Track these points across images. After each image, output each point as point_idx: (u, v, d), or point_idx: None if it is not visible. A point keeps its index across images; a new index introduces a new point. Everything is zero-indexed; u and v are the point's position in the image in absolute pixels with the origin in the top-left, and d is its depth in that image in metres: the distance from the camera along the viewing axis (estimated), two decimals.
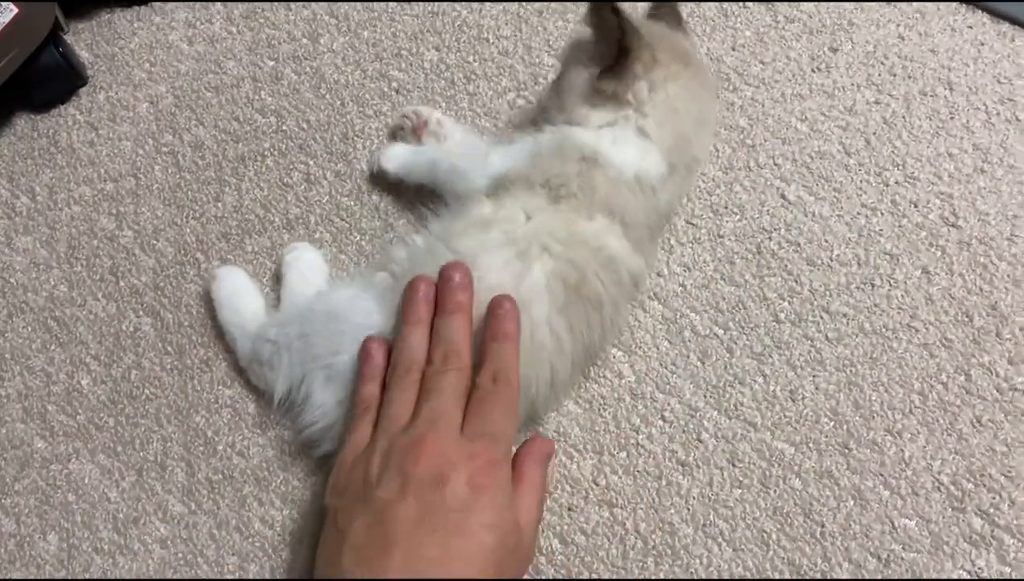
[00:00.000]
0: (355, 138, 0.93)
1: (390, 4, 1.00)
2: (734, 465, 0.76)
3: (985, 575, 0.71)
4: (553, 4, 0.98)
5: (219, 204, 0.92)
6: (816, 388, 0.78)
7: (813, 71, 0.93)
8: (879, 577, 0.71)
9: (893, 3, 0.95)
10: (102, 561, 0.78)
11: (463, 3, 0.99)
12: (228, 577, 0.76)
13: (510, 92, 0.94)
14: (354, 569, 0.57)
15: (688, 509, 0.75)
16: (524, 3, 0.99)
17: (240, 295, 0.84)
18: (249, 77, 0.98)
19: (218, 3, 1.02)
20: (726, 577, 0.72)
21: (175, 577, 0.77)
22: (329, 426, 0.73)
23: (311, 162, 0.93)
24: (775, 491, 0.75)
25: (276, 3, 1.02)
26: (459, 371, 0.65)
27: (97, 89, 0.99)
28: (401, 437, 0.62)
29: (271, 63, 0.99)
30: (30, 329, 0.88)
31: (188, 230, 0.91)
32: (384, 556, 0.56)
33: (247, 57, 0.99)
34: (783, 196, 0.87)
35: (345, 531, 0.59)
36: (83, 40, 1.02)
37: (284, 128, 0.95)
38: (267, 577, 0.76)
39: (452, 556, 0.56)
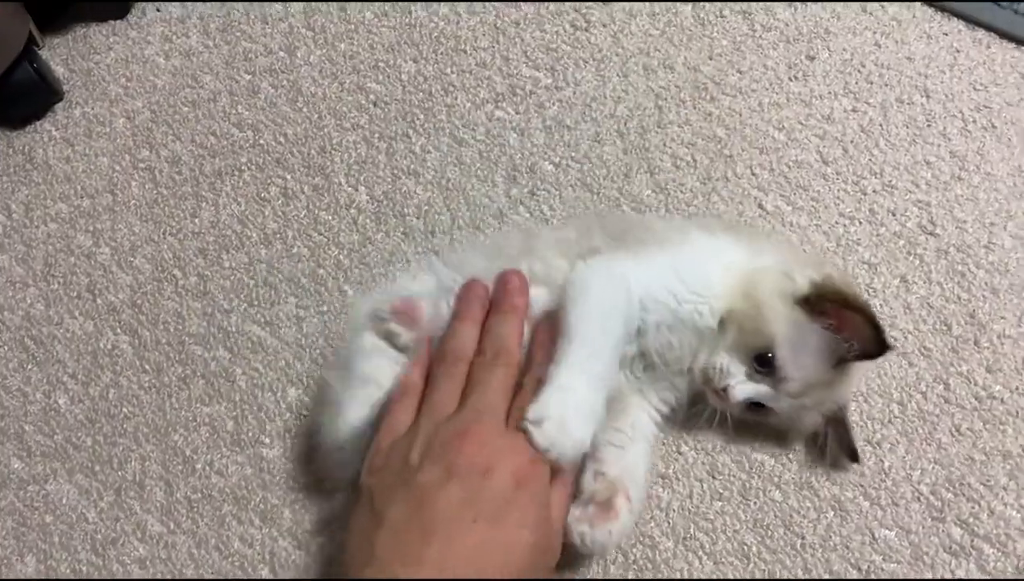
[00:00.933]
0: (332, 151, 0.93)
1: (367, 14, 1.00)
2: (714, 477, 0.76)
3: None
4: (529, 14, 0.98)
5: (196, 220, 0.91)
6: None
7: (790, 80, 0.93)
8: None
9: (868, 9, 0.95)
10: None
11: (441, 13, 0.99)
12: None
13: (488, 104, 0.94)
14: (390, 555, 0.56)
15: (668, 522, 0.74)
16: (501, 13, 0.99)
17: None
18: (226, 91, 0.98)
19: (194, 17, 1.02)
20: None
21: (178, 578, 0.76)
22: None
23: (288, 176, 0.92)
24: (755, 503, 0.75)
25: (253, 16, 1.01)
26: (508, 367, 0.65)
27: (73, 105, 0.99)
28: (446, 425, 0.61)
29: (248, 76, 0.98)
30: (6, 348, 0.87)
31: (165, 246, 0.90)
32: (423, 543, 0.55)
33: (224, 71, 0.99)
34: (761, 206, 0.87)
35: (383, 513, 0.58)
36: (58, 55, 1.01)
37: (261, 142, 0.94)
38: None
39: (491, 548, 0.56)
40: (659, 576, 0.72)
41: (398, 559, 0.55)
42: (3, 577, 0.78)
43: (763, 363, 0.67)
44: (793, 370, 0.67)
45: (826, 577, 0.72)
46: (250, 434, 0.81)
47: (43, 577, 0.78)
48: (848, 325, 0.66)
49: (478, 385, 0.64)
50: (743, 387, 0.68)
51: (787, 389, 0.68)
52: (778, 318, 0.66)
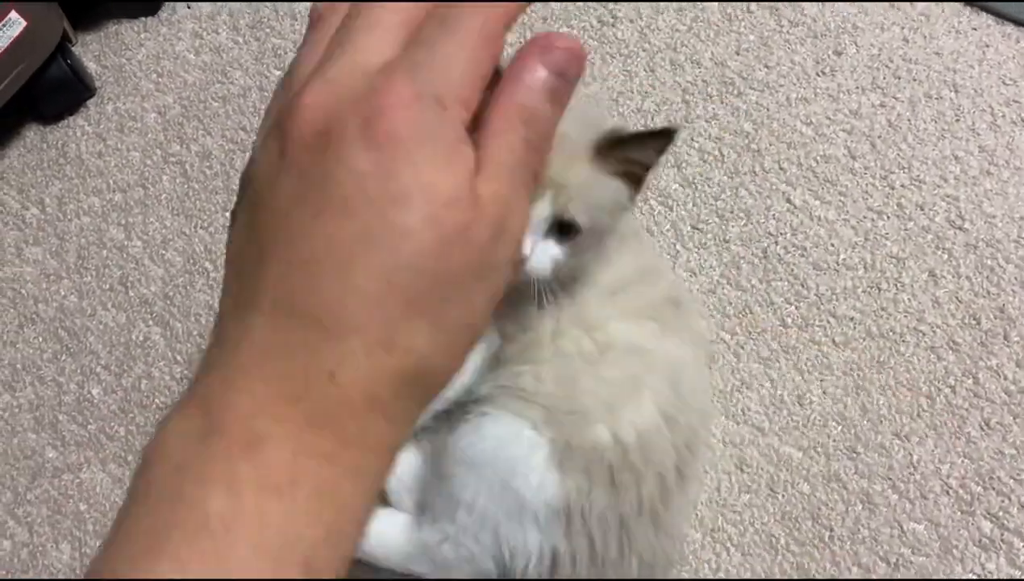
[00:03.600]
0: None
1: None
2: (742, 470, 0.76)
3: (995, 579, 0.71)
4: (556, 10, 0.99)
5: (227, 213, 0.92)
6: (824, 392, 0.79)
7: (818, 75, 0.93)
8: (887, 579, 0.72)
9: (896, 5, 0.95)
10: None
11: None
12: None
13: None
14: (225, 299, 0.33)
15: (696, 514, 0.75)
16: (528, 9, 0.99)
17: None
18: (256, 87, 0.99)
19: (224, 14, 1.03)
20: (722, 577, 0.73)
21: None
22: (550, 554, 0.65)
23: None
24: (783, 496, 0.75)
25: (282, 13, 1.02)
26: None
27: (105, 100, 1.00)
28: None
29: (277, 72, 0.99)
30: (41, 339, 0.88)
31: (196, 240, 0.91)
32: (258, 266, 0.32)
33: (253, 67, 1.00)
34: (789, 200, 0.87)
35: (229, 239, 0.35)
36: (91, 52, 1.03)
37: None
38: None
39: (346, 249, 0.30)
40: (686, 569, 0.73)
41: (231, 301, 0.33)
42: (39, 564, 0.79)
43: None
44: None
45: (853, 570, 0.72)
46: None
47: (78, 563, 0.79)
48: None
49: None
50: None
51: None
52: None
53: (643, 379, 0.65)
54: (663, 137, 0.57)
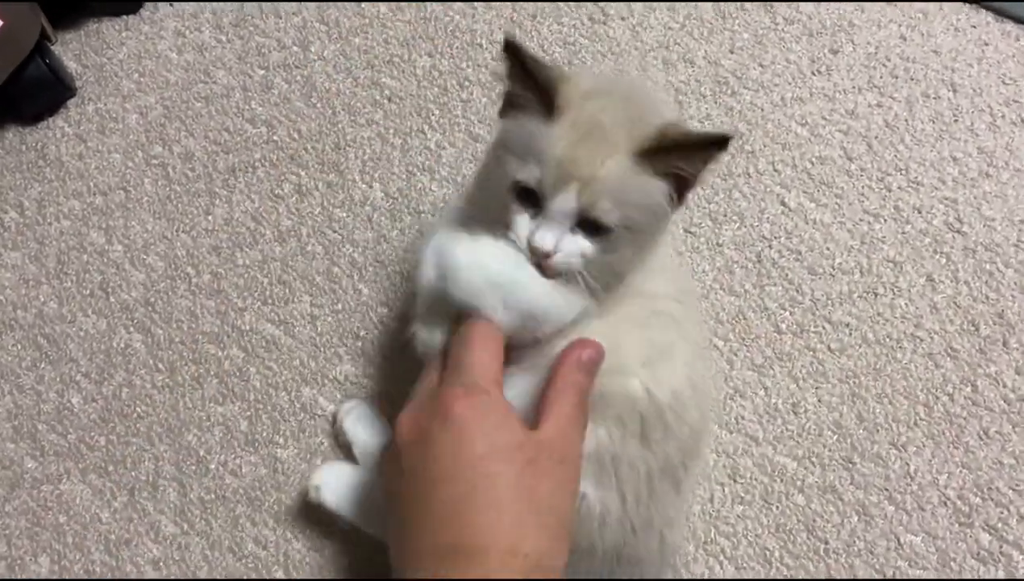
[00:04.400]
0: (347, 147, 0.92)
1: (381, 8, 0.99)
2: (735, 480, 0.75)
3: None
4: (547, 7, 0.96)
5: (210, 217, 0.90)
6: (819, 400, 0.77)
7: (813, 74, 0.91)
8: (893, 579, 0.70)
9: (894, 3, 0.93)
10: None
11: (457, 7, 0.98)
12: None
13: None
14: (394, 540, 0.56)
15: (689, 526, 0.73)
16: (517, 7, 0.97)
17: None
18: (239, 87, 0.97)
19: (207, 12, 1.01)
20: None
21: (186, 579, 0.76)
22: None
23: (302, 173, 0.91)
24: (777, 507, 0.74)
25: (266, 11, 1.00)
26: None
27: (86, 101, 0.98)
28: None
29: (261, 72, 0.97)
30: (19, 346, 0.86)
31: (179, 244, 0.90)
32: (410, 526, 0.53)
33: (237, 66, 0.98)
34: (783, 203, 0.85)
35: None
36: (71, 51, 1.00)
37: (275, 138, 0.93)
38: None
39: (460, 500, 0.51)
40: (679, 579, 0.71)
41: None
42: (17, 578, 0.77)
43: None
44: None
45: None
46: (264, 434, 0.80)
47: (56, 577, 0.77)
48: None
49: None
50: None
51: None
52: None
53: (678, 346, 0.64)
54: (715, 146, 0.54)
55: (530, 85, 0.56)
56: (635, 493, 0.60)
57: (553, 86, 0.55)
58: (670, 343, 0.64)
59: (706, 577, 0.72)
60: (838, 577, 0.71)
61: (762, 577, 0.71)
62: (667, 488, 0.61)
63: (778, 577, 0.71)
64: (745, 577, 0.72)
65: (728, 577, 0.72)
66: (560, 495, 0.52)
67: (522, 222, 0.56)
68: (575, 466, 0.54)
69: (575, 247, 0.56)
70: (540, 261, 0.56)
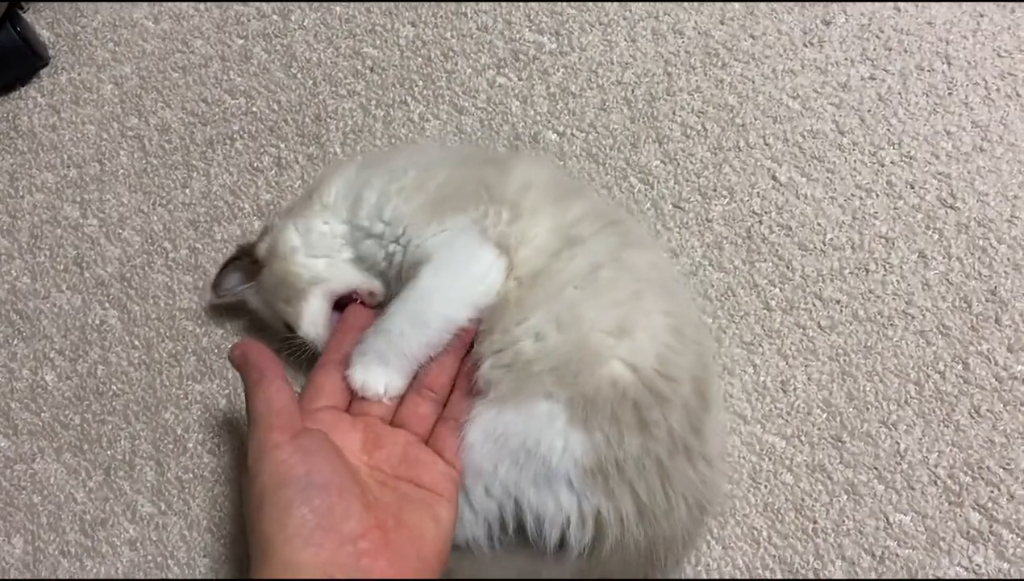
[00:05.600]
0: (328, 119, 0.89)
1: None
2: (723, 460, 0.73)
3: (983, 572, 0.69)
4: None
5: (187, 190, 0.88)
6: (808, 378, 0.76)
7: (805, 45, 0.89)
8: (873, 576, 0.69)
9: None
10: (69, 564, 0.76)
11: None
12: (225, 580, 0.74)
13: (490, 69, 0.90)
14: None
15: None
16: None
17: None
18: (217, 56, 0.94)
19: None
20: (715, 577, 0.70)
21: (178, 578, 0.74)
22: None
23: (282, 145, 0.89)
24: (766, 486, 0.72)
25: None
26: None
27: (59, 70, 0.95)
28: None
29: (240, 41, 0.94)
30: None
31: (155, 218, 0.87)
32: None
33: (215, 35, 0.95)
34: (774, 177, 0.83)
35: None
36: (43, 19, 0.97)
37: (254, 110, 0.91)
38: (243, 580, 0.73)
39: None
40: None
41: None
42: (22, 579, 0.76)
43: None
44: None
45: (837, 564, 0.70)
46: (243, 412, 0.78)
47: (31, 557, 0.76)
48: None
49: None
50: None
51: None
52: None
53: (642, 292, 0.63)
54: None
55: None
56: (648, 488, 0.59)
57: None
58: (634, 293, 0.63)
59: (705, 577, 0.70)
60: (837, 576, 0.70)
61: (761, 577, 0.70)
62: (680, 463, 0.60)
63: (779, 577, 0.70)
64: (724, 565, 0.71)
65: (729, 577, 0.71)
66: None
67: None
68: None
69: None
70: None
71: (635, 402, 0.59)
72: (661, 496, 0.59)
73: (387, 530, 0.55)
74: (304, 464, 0.55)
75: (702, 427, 0.61)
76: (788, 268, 0.79)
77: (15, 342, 0.84)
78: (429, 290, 0.64)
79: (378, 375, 0.64)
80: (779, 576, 0.70)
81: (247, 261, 0.75)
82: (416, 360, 0.65)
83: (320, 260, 0.71)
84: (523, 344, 0.61)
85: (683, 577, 0.70)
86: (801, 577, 0.70)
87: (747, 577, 0.70)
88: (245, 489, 0.56)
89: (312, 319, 0.71)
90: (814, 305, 0.78)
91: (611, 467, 0.58)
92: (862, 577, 0.69)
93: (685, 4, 0.91)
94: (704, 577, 0.70)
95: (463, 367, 0.66)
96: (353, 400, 0.65)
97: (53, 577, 0.75)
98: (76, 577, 0.75)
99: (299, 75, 0.92)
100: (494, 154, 0.84)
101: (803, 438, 0.74)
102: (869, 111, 0.85)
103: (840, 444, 0.73)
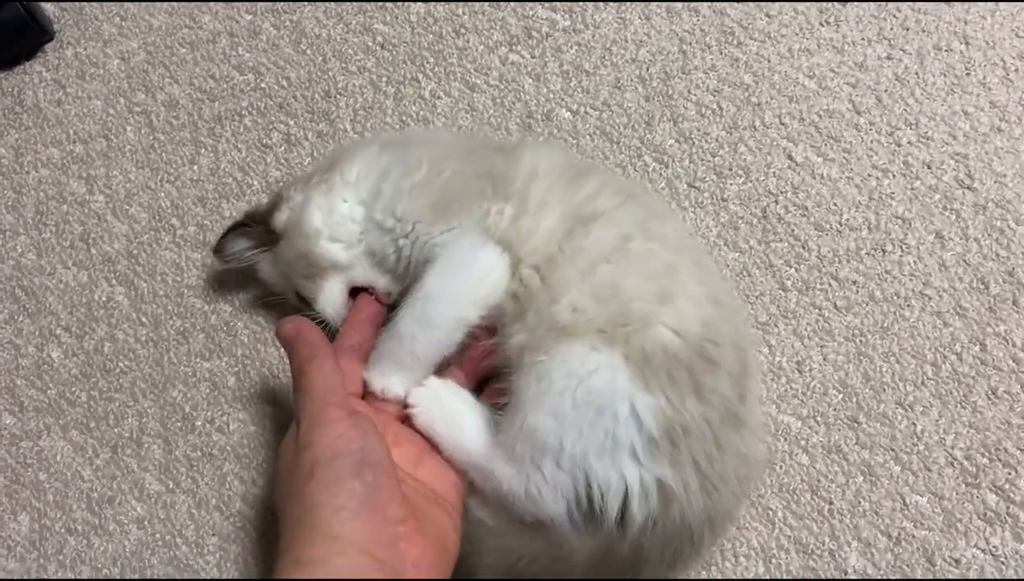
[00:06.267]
0: (338, 96, 0.88)
1: None
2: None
3: (1000, 553, 0.68)
4: None
5: (195, 166, 0.87)
6: (824, 359, 0.75)
7: (822, 24, 0.88)
8: (889, 556, 0.68)
9: None
10: (76, 542, 0.75)
11: None
12: (209, 557, 0.73)
13: (502, 46, 0.89)
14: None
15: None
16: None
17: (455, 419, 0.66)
18: (226, 32, 0.93)
19: None
20: (728, 564, 0.69)
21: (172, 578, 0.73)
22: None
23: (291, 122, 0.88)
24: (781, 467, 0.72)
25: None
26: None
27: (64, 45, 0.94)
28: None
29: (249, 17, 0.93)
30: None
31: (163, 194, 0.86)
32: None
33: (223, 11, 0.94)
34: (790, 157, 0.82)
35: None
36: None
37: (263, 86, 0.90)
38: (251, 558, 0.73)
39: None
40: None
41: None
42: (29, 578, 0.75)
43: None
44: None
45: (853, 545, 0.69)
46: (252, 390, 0.78)
47: (37, 535, 0.75)
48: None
49: None
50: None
51: None
52: None
53: (677, 263, 0.64)
54: None
55: None
56: (707, 456, 0.58)
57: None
58: (668, 265, 0.63)
59: (705, 577, 0.70)
60: (852, 558, 0.69)
61: (762, 577, 0.70)
62: (729, 431, 0.60)
63: (777, 578, 0.69)
64: (739, 546, 0.70)
65: (729, 578, 0.70)
66: None
67: None
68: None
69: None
70: None
71: (688, 366, 0.59)
72: (719, 465, 0.59)
73: (419, 519, 0.56)
74: (360, 440, 0.56)
75: (746, 395, 0.61)
76: (804, 248, 0.79)
77: (21, 318, 0.83)
78: (435, 292, 0.65)
79: (395, 380, 0.65)
80: (794, 556, 0.69)
81: (259, 229, 0.74)
82: (430, 360, 0.66)
83: (341, 246, 0.71)
84: (561, 316, 0.61)
85: (685, 578, 0.69)
86: (811, 568, 0.69)
87: (742, 577, 0.69)
88: (289, 459, 0.57)
89: (330, 300, 0.72)
90: (830, 285, 0.77)
91: (678, 435, 0.58)
92: (874, 578, 0.69)
93: None
94: (704, 578, 0.69)
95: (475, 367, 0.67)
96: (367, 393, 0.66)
97: (58, 557, 0.75)
98: (84, 556, 0.74)
99: (308, 51, 0.91)
100: (504, 142, 0.82)
101: (819, 419, 0.73)
102: (886, 91, 0.84)
103: (856, 425, 0.73)
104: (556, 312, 0.61)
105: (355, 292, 0.73)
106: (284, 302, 0.77)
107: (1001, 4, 0.87)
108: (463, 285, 0.65)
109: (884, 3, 0.88)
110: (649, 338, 0.59)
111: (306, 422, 0.57)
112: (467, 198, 0.67)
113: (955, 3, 0.87)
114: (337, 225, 0.71)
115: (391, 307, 0.70)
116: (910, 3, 0.87)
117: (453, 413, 0.65)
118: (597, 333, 0.59)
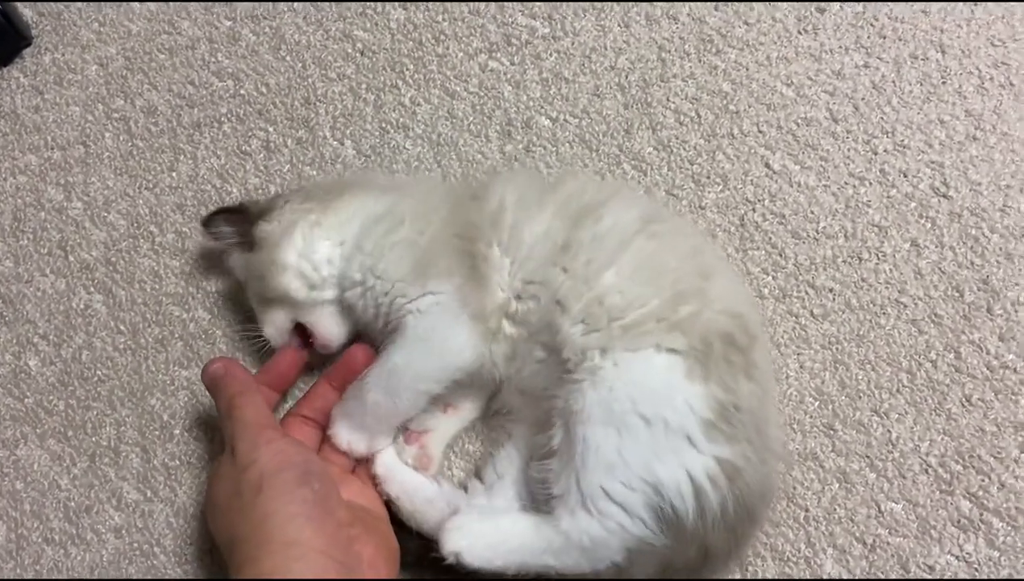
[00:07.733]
0: (317, 103, 0.88)
1: None
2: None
3: (973, 560, 0.69)
4: None
5: (174, 173, 0.87)
6: (800, 366, 0.75)
7: (800, 33, 0.88)
8: (864, 563, 0.69)
9: None
10: (53, 552, 0.75)
11: None
12: (187, 567, 0.73)
13: (482, 54, 0.89)
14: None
15: None
16: None
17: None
18: (205, 38, 0.92)
19: None
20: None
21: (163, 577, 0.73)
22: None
23: (271, 129, 0.88)
24: None
25: None
26: None
27: (42, 50, 0.93)
28: None
29: (228, 23, 0.93)
30: None
31: (141, 201, 0.86)
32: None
33: (202, 16, 0.93)
34: (767, 165, 0.83)
35: None
36: None
37: (242, 92, 0.89)
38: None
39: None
40: None
41: None
42: (24, 578, 0.74)
43: None
44: None
45: (829, 552, 0.69)
46: None
47: (14, 545, 0.75)
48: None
49: None
50: None
51: None
52: None
53: (699, 246, 0.68)
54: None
55: None
56: (757, 429, 0.61)
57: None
58: (694, 247, 0.67)
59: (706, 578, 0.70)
60: (827, 565, 0.70)
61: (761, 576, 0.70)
62: (768, 403, 0.63)
63: (766, 578, 0.70)
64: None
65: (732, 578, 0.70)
66: None
67: None
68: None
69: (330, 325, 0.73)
70: None
71: (742, 347, 0.61)
72: (764, 436, 0.61)
73: (365, 522, 0.61)
74: (301, 454, 0.60)
75: (770, 372, 0.65)
76: (781, 256, 0.79)
77: None
78: (401, 366, 0.65)
79: (359, 439, 0.68)
80: (770, 563, 0.69)
81: (244, 223, 0.74)
82: (393, 425, 0.69)
83: (304, 285, 0.71)
84: (611, 298, 0.62)
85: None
86: (791, 569, 0.69)
87: (739, 578, 0.70)
88: (228, 483, 0.60)
89: (274, 327, 0.73)
90: (807, 293, 0.78)
91: (731, 411, 0.59)
92: (847, 577, 0.69)
93: None
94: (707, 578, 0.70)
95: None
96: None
97: (34, 567, 0.74)
98: (62, 565, 0.74)
99: (288, 58, 0.91)
100: (479, 186, 0.76)
101: (795, 426, 0.73)
102: (863, 99, 0.85)
103: (832, 432, 0.73)
104: (602, 294, 0.62)
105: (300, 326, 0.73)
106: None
107: (977, 13, 0.87)
108: (430, 363, 0.66)
109: (862, 11, 0.88)
110: (709, 325, 0.61)
111: (245, 444, 0.60)
112: (446, 262, 0.67)
113: (932, 12, 0.88)
114: (309, 266, 0.70)
115: (325, 357, 0.73)
116: (887, 11, 0.88)
117: (414, 485, 0.68)
118: (657, 322, 0.61)
